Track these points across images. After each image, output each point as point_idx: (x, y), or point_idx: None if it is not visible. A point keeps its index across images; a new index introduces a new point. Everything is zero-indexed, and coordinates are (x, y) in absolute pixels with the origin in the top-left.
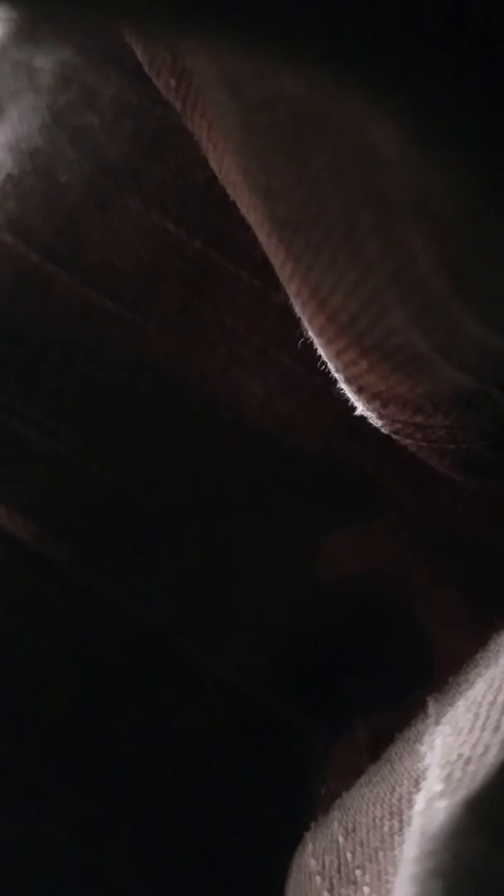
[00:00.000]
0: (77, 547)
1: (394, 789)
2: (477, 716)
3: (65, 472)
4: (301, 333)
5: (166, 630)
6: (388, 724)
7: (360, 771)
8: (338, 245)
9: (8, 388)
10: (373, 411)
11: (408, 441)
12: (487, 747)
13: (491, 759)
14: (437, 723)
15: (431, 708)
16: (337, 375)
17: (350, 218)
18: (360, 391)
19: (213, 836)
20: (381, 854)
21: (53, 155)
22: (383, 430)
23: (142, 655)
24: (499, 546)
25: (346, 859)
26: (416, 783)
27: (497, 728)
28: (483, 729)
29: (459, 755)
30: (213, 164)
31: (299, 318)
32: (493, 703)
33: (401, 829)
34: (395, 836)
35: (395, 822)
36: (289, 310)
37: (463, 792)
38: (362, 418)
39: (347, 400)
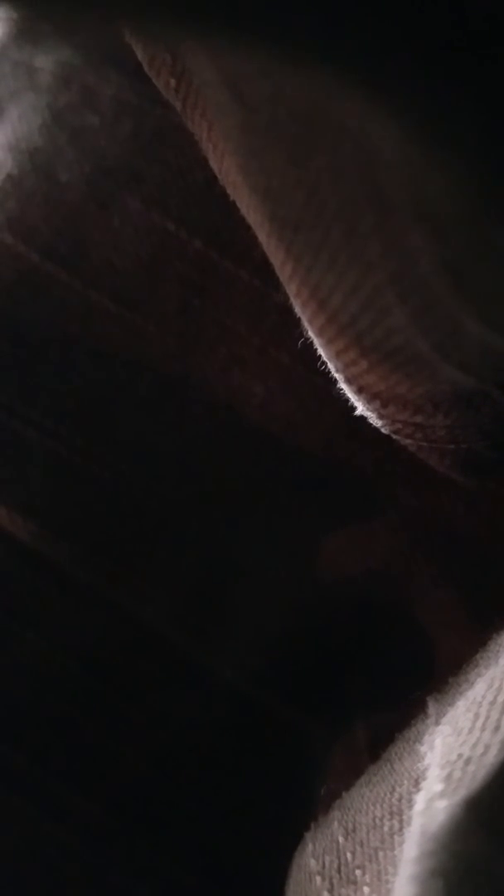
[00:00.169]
0: (77, 547)
1: (394, 789)
2: (477, 716)
3: (65, 472)
4: (301, 333)
5: (166, 630)
6: (388, 724)
7: (360, 771)
8: (338, 245)
9: (8, 388)
10: (373, 411)
11: (408, 441)
12: (487, 747)
13: (491, 759)
14: (437, 723)
15: (431, 708)
16: (337, 375)
17: (350, 218)
18: (360, 391)
19: (213, 836)
20: (381, 854)
21: (53, 155)
22: (383, 430)
23: (142, 655)
24: (499, 546)
25: (346, 859)
26: (416, 783)
27: (497, 728)
28: (483, 729)
29: (459, 755)
30: (213, 164)
31: (299, 318)
32: (493, 703)
33: (401, 829)
34: (395, 836)
35: (395, 822)
36: (289, 310)
37: (463, 792)
38: (362, 418)
39: (347, 400)
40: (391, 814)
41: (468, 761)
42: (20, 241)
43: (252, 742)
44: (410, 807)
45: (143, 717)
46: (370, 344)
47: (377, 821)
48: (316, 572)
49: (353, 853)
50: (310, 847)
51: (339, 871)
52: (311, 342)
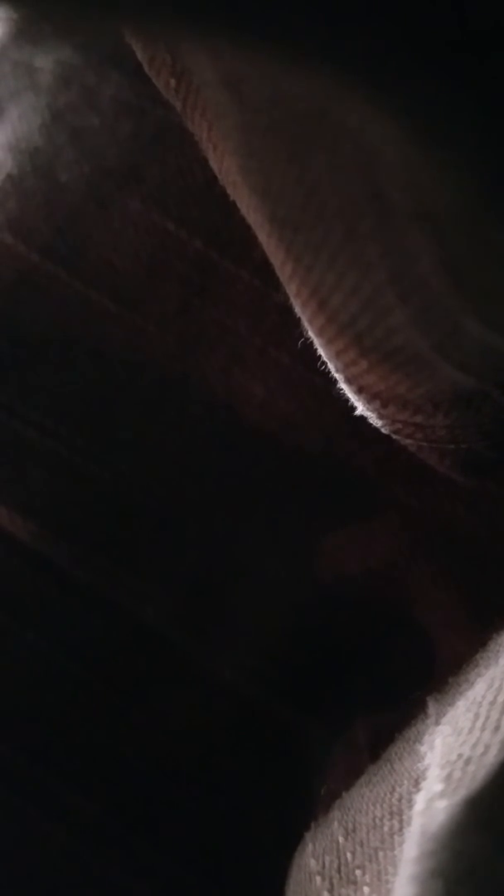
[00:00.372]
0: (77, 547)
1: (394, 789)
2: (477, 716)
3: (65, 472)
4: (301, 333)
5: (166, 630)
6: (388, 724)
7: (360, 771)
8: (338, 245)
9: (8, 388)
10: (373, 411)
11: (408, 441)
12: (487, 747)
13: (491, 759)
14: (437, 723)
15: (431, 708)
16: (337, 375)
17: (350, 218)
18: (360, 391)
19: (213, 835)
20: (381, 854)
21: (53, 155)
22: (383, 430)
23: (142, 655)
24: (499, 546)
25: (346, 859)
26: (416, 783)
27: (497, 728)
28: (483, 729)
29: (459, 755)
30: (213, 164)
31: (299, 318)
32: (493, 703)
33: (401, 829)
34: (395, 836)
35: (395, 822)
36: (289, 310)
37: (463, 792)
38: (362, 418)
39: (347, 400)
40: (391, 814)
41: (468, 761)
42: (20, 241)
43: (252, 742)
44: (410, 807)
45: (143, 717)
46: (370, 344)
47: (377, 821)
48: (316, 572)
49: (353, 853)
50: (310, 847)
51: (339, 871)
52: (311, 342)
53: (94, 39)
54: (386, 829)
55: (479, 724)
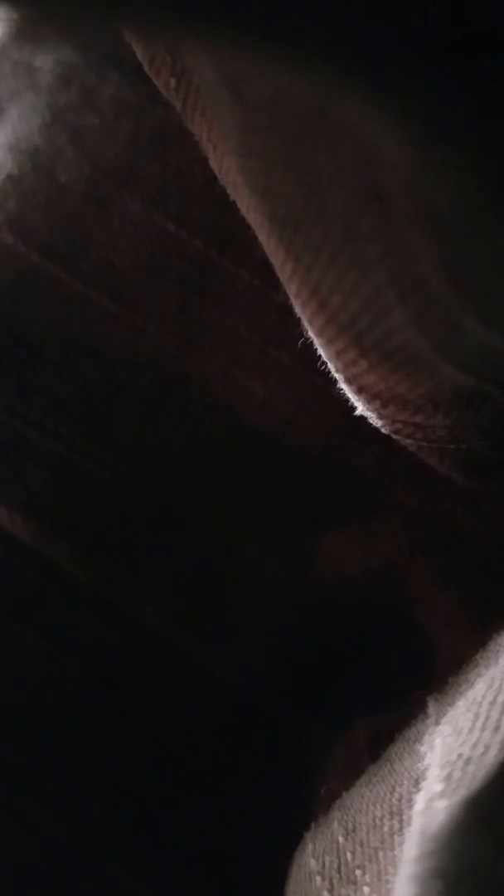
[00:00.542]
0: (77, 547)
1: (394, 789)
2: (477, 716)
3: (65, 472)
4: (301, 333)
5: (166, 630)
6: (388, 724)
7: (360, 771)
8: (338, 245)
9: (8, 388)
10: (373, 411)
11: (408, 441)
12: (487, 747)
13: (491, 759)
14: (437, 723)
15: (431, 708)
16: (337, 375)
17: (350, 218)
18: (360, 391)
19: (213, 835)
20: (381, 854)
21: (53, 155)
22: (383, 430)
23: (142, 655)
24: (499, 546)
25: (346, 859)
26: (416, 783)
27: (497, 728)
28: (483, 729)
29: (459, 755)
30: (213, 164)
31: (299, 318)
32: (493, 703)
33: (401, 829)
34: (395, 836)
35: (395, 822)
36: (289, 310)
37: (463, 792)
38: (362, 418)
39: (347, 400)
40: (391, 814)
41: (468, 761)
42: (20, 241)
43: (252, 742)
44: (410, 807)
45: (142, 717)
46: (370, 344)
47: (377, 821)
48: (316, 572)
49: (353, 853)
50: (310, 847)
51: (339, 871)
52: (311, 342)
53: (94, 39)
54: (386, 829)
55: (479, 724)
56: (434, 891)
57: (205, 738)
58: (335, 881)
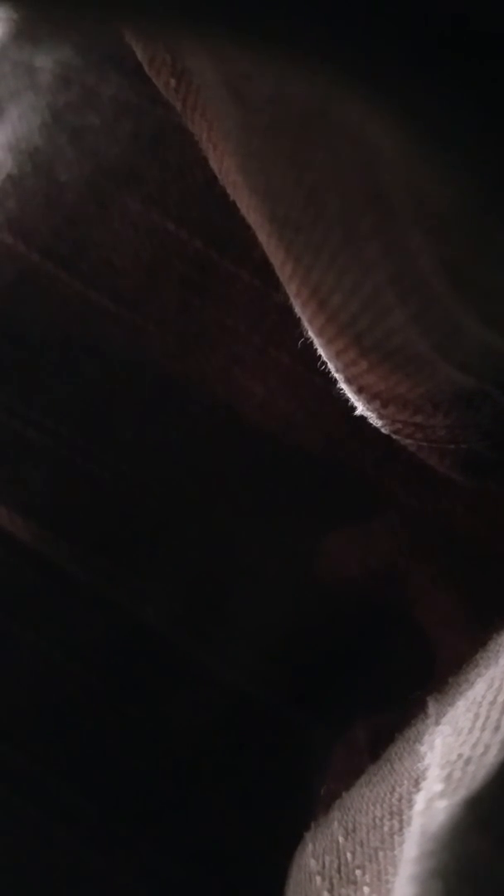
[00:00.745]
0: (77, 547)
1: (394, 789)
2: (477, 716)
3: (65, 472)
4: (301, 333)
5: (166, 630)
6: (388, 724)
7: (360, 771)
8: (338, 245)
9: (8, 388)
10: (373, 411)
11: (408, 441)
12: (487, 747)
13: (491, 759)
14: (437, 723)
15: (431, 708)
16: (337, 375)
17: (350, 218)
18: (360, 391)
19: (213, 835)
20: (381, 854)
21: (53, 155)
22: (383, 430)
23: (142, 655)
24: (499, 546)
25: (346, 859)
26: (416, 783)
27: (497, 728)
28: (483, 729)
29: (459, 755)
30: (213, 164)
31: (299, 318)
32: (493, 703)
33: (401, 829)
34: (395, 836)
35: (395, 822)
36: (289, 310)
37: (463, 792)
38: (362, 418)
39: (347, 400)
40: (391, 814)
41: (468, 761)
42: (20, 241)
43: (252, 742)
44: (410, 807)
45: (142, 717)
46: (370, 344)
47: (377, 821)
48: (316, 572)
49: (353, 853)
50: (310, 847)
51: (339, 871)
52: (311, 342)
53: (94, 39)
54: (386, 829)
55: (479, 724)
56: (434, 891)
57: (205, 738)
58: (335, 881)
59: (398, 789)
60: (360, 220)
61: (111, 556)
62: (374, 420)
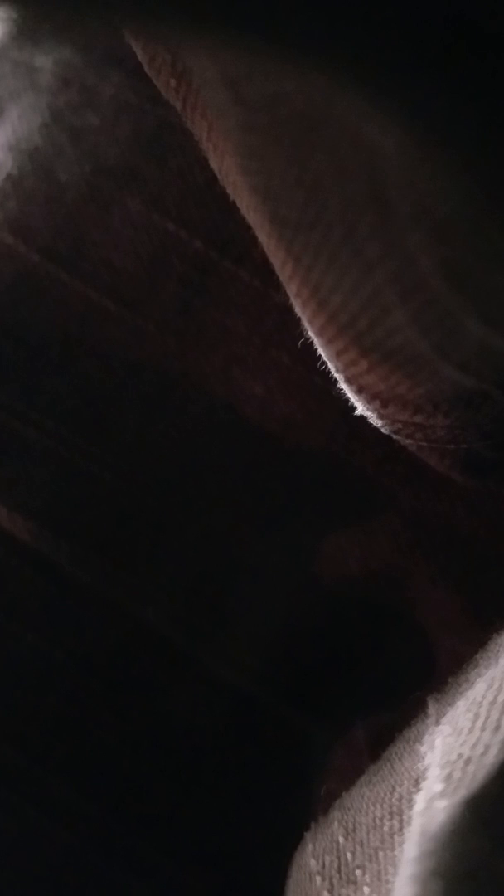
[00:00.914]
0: (77, 547)
1: (394, 789)
2: (477, 716)
3: (65, 472)
4: (301, 333)
5: (166, 630)
6: (388, 724)
7: (360, 771)
8: (338, 245)
9: (8, 388)
10: (373, 411)
11: (408, 441)
12: (487, 747)
13: (491, 759)
14: (437, 723)
15: (431, 708)
16: (337, 375)
17: (350, 218)
18: (360, 391)
19: (214, 835)
20: (381, 854)
21: (53, 155)
22: (383, 430)
23: (142, 655)
24: (499, 546)
25: (346, 859)
26: (416, 783)
27: (497, 728)
28: (483, 729)
29: (459, 755)
30: (213, 164)
31: (299, 318)
32: (493, 703)
33: (401, 829)
34: (395, 836)
35: (395, 822)
36: (289, 310)
37: (463, 792)
38: (362, 418)
39: (347, 400)
40: (391, 814)
41: (468, 761)
42: (20, 241)
43: (252, 742)
44: (410, 807)
45: (142, 717)
46: (370, 344)
47: (377, 821)
48: (316, 572)
49: (353, 853)
50: (310, 847)
51: (339, 871)
52: (311, 342)
53: (94, 39)
54: (386, 829)
55: (479, 724)
56: (434, 891)
57: (205, 738)
58: (335, 881)
59: (398, 789)
60: (360, 220)
61: (111, 556)
62: (374, 420)
